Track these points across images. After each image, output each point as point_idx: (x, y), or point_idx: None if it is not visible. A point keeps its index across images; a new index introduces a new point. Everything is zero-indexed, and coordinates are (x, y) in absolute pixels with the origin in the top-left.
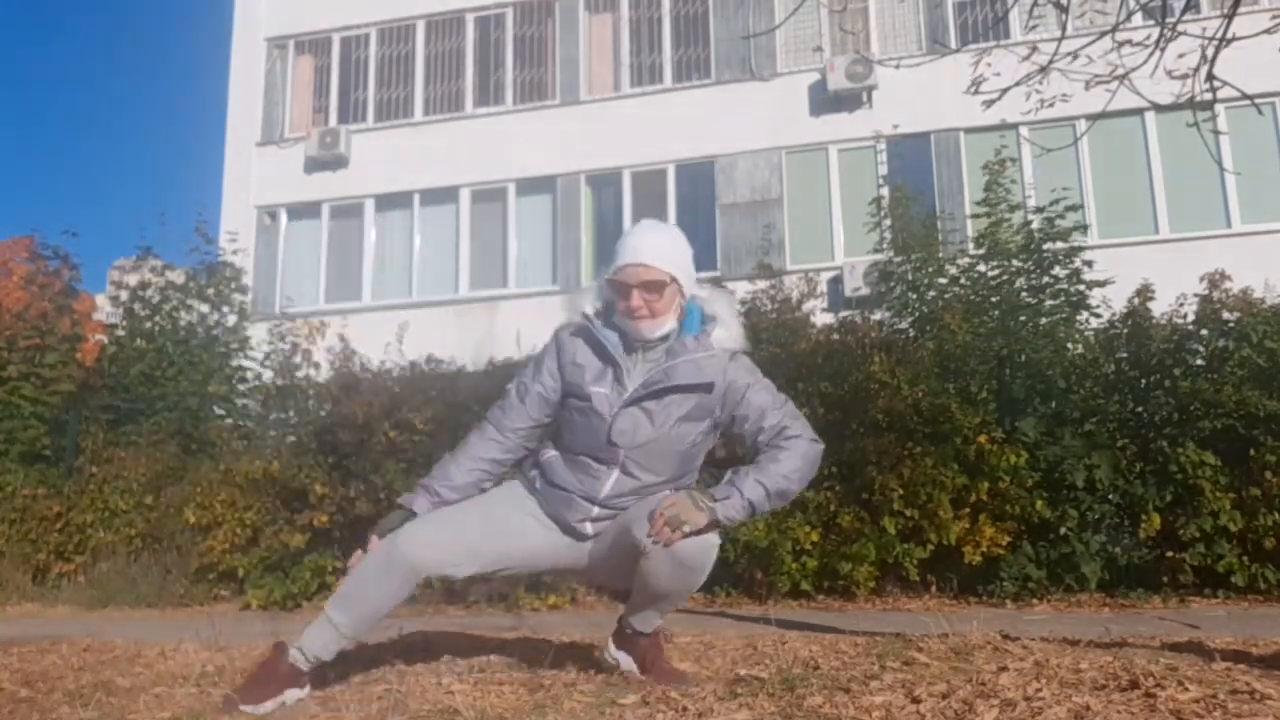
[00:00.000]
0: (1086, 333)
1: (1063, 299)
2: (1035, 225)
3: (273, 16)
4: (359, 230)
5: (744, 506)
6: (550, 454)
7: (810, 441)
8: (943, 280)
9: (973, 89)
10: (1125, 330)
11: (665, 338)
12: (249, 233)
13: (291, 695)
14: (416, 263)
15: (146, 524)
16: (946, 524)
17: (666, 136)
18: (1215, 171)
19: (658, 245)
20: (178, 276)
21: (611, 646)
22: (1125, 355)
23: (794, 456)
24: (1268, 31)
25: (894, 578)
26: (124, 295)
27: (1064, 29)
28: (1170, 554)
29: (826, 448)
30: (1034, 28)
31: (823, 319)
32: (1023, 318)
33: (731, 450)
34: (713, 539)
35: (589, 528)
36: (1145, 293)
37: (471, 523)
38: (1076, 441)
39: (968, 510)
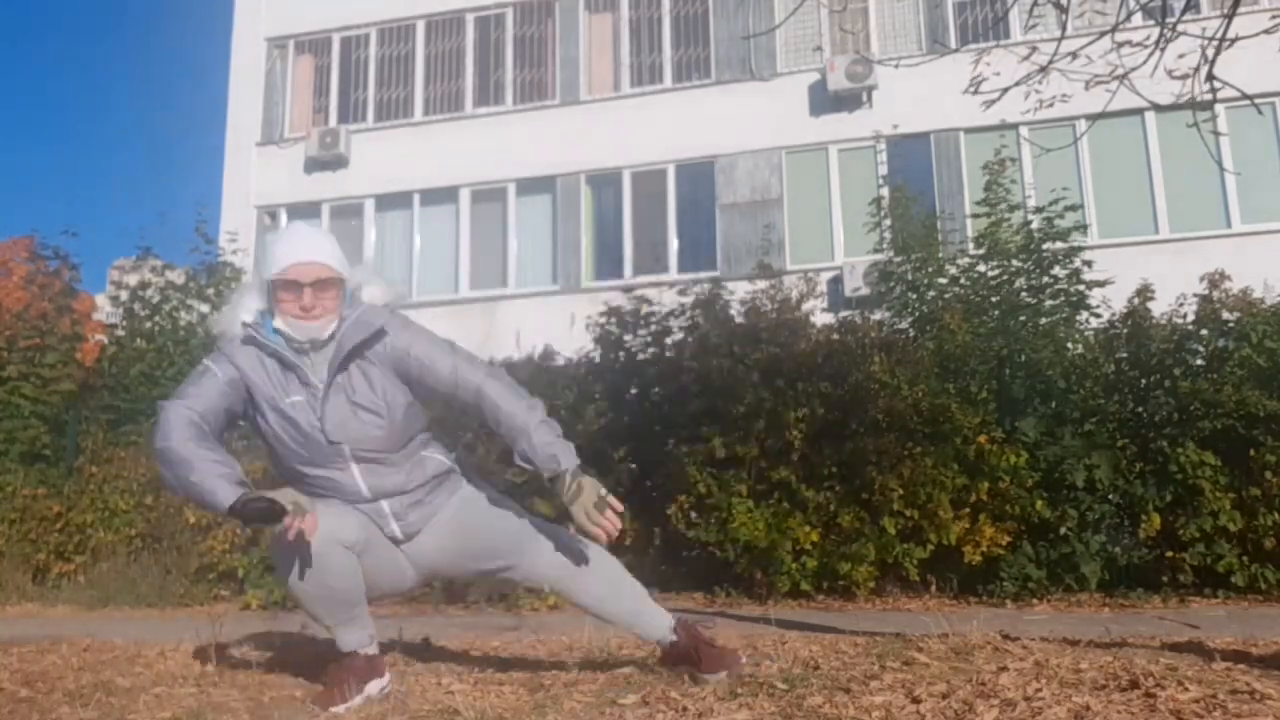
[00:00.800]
0: (1086, 333)
1: (1062, 299)
2: (1035, 225)
3: (273, 16)
4: (359, 230)
5: (565, 444)
6: (285, 469)
7: (487, 374)
8: (943, 280)
9: (972, 88)
10: (1125, 330)
11: (332, 336)
12: (249, 233)
13: (374, 687)
14: (416, 263)
15: (146, 524)
16: (946, 524)
17: (666, 136)
18: (1215, 171)
19: (323, 244)
20: (178, 276)
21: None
22: (1125, 355)
23: (506, 399)
24: (1267, 31)
25: (894, 578)
26: (124, 295)
27: (1064, 29)
28: (1170, 554)
29: (827, 448)
30: (1034, 27)
31: (823, 319)
32: (1022, 318)
33: (732, 451)
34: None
35: (396, 527)
36: (1145, 293)
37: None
38: (1076, 441)
39: (968, 510)
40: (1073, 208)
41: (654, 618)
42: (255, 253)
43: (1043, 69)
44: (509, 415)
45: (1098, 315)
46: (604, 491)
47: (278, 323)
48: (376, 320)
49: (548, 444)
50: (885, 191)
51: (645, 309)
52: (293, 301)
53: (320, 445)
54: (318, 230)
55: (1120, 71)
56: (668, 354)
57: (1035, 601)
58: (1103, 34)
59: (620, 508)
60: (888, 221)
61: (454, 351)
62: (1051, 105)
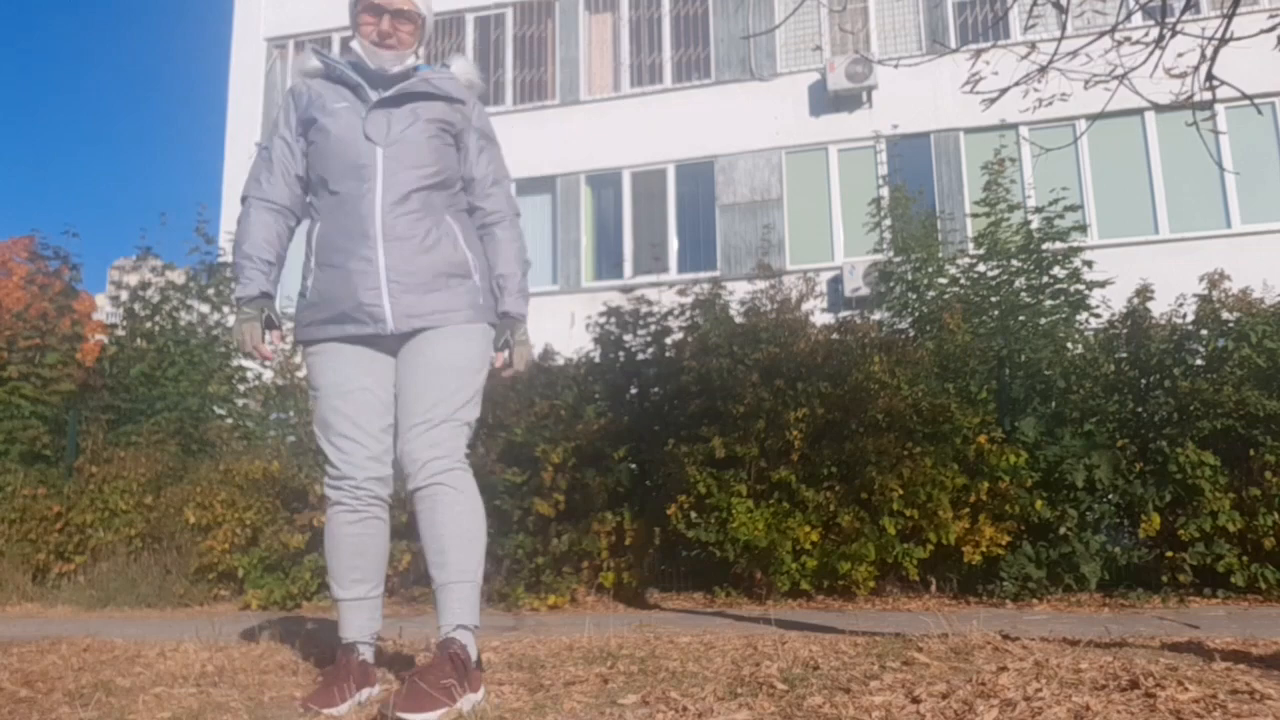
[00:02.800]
0: (1086, 333)
1: (1062, 299)
2: (1034, 225)
3: (273, 16)
4: None
5: (523, 296)
6: (317, 226)
7: (510, 211)
8: (942, 280)
9: (969, 86)
10: (1125, 330)
11: (405, 75)
12: None
13: (365, 694)
14: None
15: (146, 524)
16: (946, 524)
17: (666, 136)
18: (1215, 171)
19: None
20: (178, 276)
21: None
22: (1125, 355)
23: (509, 243)
24: (1265, 31)
25: (894, 578)
26: (124, 295)
27: (1063, 29)
28: (1170, 554)
29: (827, 447)
30: (1033, 27)
31: (822, 319)
32: (1022, 318)
33: (732, 451)
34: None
35: (384, 302)
36: (1145, 293)
37: (345, 418)
38: (1076, 441)
39: (967, 510)
40: (1072, 208)
41: (473, 605)
42: None
43: (1042, 69)
44: (501, 251)
45: (1097, 315)
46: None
47: (354, 44)
48: (457, 92)
49: (512, 294)
50: (885, 191)
51: (645, 309)
52: (372, 26)
53: (354, 150)
54: None
55: (1120, 71)
56: (667, 354)
57: (1035, 601)
58: (1102, 34)
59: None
60: (887, 221)
61: (500, 176)
62: (1051, 104)
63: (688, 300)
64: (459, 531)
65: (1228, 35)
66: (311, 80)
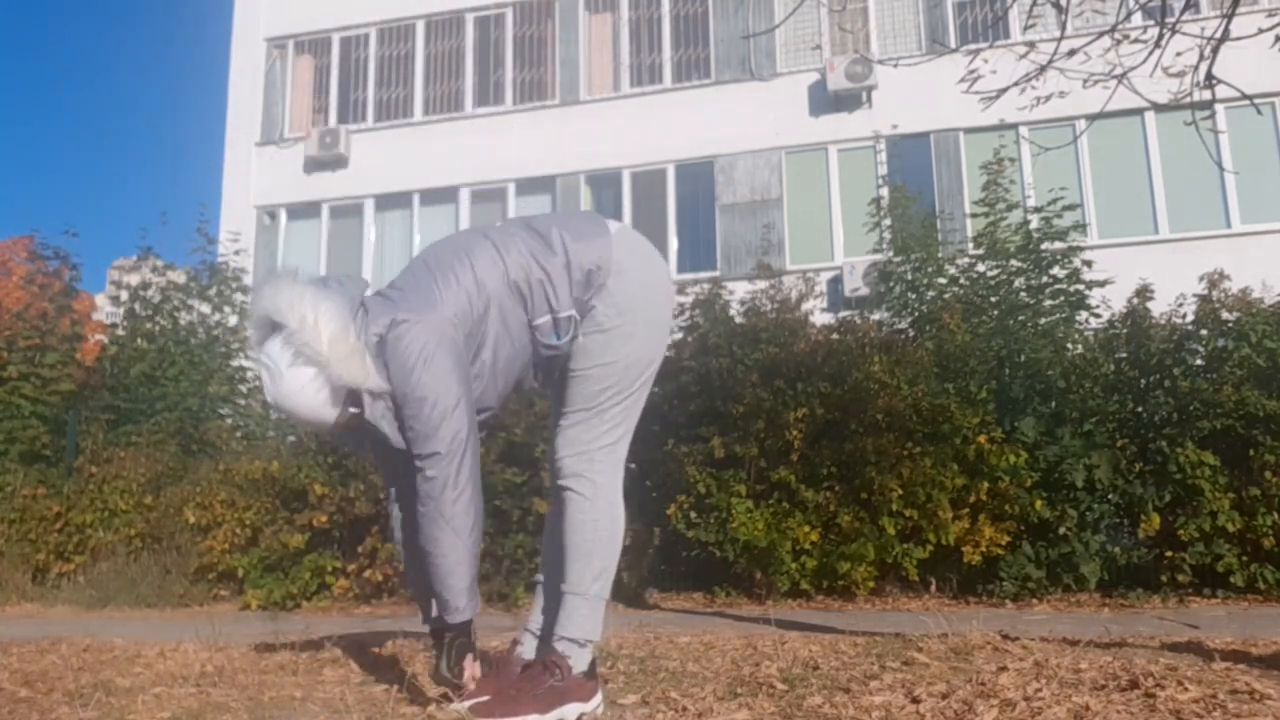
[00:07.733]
0: (1086, 333)
1: (1062, 299)
2: (1034, 225)
3: (272, 16)
4: (359, 230)
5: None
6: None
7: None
8: (942, 280)
9: (968, 85)
10: (1125, 330)
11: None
12: (249, 233)
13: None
14: None
15: (146, 524)
16: (946, 524)
17: (666, 136)
18: (1215, 171)
19: (296, 408)
20: (178, 277)
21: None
22: (1125, 355)
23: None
24: (1264, 30)
25: (894, 578)
26: (124, 295)
27: (1063, 28)
28: (1169, 554)
29: (827, 448)
30: (1032, 27)
31: (822, 319)
32: (1021, 318)
33: (731, 451)
34: None
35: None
36: (1145, 293)
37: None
38: (1076, 441)
39: (967, 510)
40: (1071, 207)
41: (578, 618)
42: (255, 253)
43: (1042, 68)
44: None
45: (1097, 315)
46: (454, 668)
47: None
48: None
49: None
50: (885, 191)
51: None
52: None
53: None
54: (277, 387)
55: (1119, 71)
56: (667, 354)
57: (1035, 601)
58: (1102, 33)
59: (475, 673)
60: (887, 221)
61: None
62: (1049, 100)
63: (687, 300)
64: (576, 542)
65: (1227, 35)
66: None
